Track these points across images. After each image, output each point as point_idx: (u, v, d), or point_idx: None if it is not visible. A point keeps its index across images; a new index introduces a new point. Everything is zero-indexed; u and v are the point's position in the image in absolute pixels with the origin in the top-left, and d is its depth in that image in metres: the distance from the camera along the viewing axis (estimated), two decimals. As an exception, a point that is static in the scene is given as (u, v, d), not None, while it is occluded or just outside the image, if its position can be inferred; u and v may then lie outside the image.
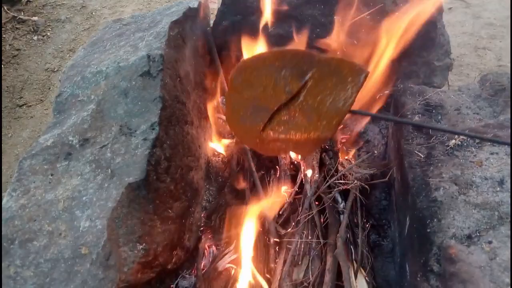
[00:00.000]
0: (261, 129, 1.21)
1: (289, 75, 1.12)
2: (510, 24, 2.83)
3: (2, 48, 3.15)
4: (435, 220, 1.18)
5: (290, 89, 1.11)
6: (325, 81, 1.09)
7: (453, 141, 1.38)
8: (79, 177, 1.28)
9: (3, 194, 2.17)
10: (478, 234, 1.12)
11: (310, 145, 1.22)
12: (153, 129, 1.32)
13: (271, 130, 1.20)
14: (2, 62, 3.08)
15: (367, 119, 1.89)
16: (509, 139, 1.35)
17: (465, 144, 1.37)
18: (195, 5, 1.79)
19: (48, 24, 3.44)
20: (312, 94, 1.11)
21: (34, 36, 3.32)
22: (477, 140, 1.37)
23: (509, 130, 1.38)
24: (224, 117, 1.94)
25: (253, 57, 1.16)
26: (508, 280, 1.01)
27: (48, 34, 3.36)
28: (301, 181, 1.65)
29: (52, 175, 1.30)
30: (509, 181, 1.21)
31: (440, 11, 1.86)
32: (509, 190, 1.18)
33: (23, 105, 2.83)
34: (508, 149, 1.32)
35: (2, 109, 2.80)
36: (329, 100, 1.10)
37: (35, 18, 3.42)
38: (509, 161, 1.27)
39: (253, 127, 1.22)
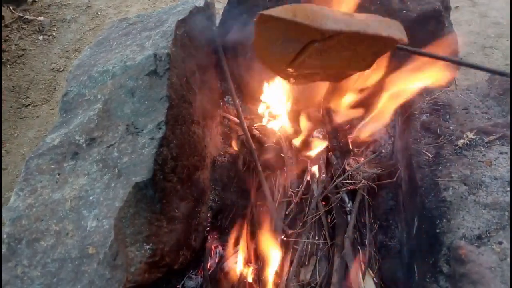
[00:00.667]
0: (290, 60, 1.20)
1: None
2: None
3: (8, 48, 3.16)
4: (445, 220, 1.17)
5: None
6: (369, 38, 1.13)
7: (462, 140, 1.37)
8: (86, 177, 1.28)
9: (9, 194, 2.18)
10: (488, 234, 1.11)
11: (341, 74, 1.30)
12: (160, 128, 1.32)
13: (301, 62, 1.20)
14: (8, 62, 3.09)
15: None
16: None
17: (474, 143, 1.36)
18: (201, 4, 1.79)
19: (54, 24, 3.45)
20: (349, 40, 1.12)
21: (40, 36, 3.32)
22: (486, 140, 1.35)
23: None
24: (230, 117, 1.93)
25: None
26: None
27: (54, 34, 3.37)
28: (308, 181, 1.64)
29: (59, 174, 1.30)
30: (520, 181, 1.20)
31: (447, 9, 1.85)
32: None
33: (29, 105, 2.84)
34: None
35: (8, 109, 2.81)
36: (365, 44, 1.14)
37: (40, 18, 3.43)
38: (519, 161, 1.26)
39: (282, 58, 1.22)
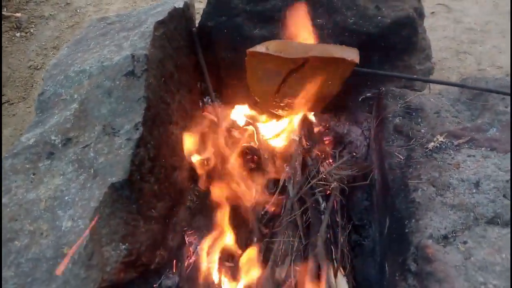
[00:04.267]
0: (276, 91, 1.60)
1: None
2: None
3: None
4: (413, 220, 1.21)
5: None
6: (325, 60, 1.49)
7: (432, 143, 1.41)
8: (61, 177, 1.28)
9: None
10: (454, 234, 1.15)
11: (319, 101, 1.68)
12: (137, 129, 1.33)
13: (284, 92, 1.60)
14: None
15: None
16: (485, 141, 1.39)
17: (444, 146, 1.41)
18: (181, 5, 1.79)
19: (32, 20, 3.39)
20: (316, 65, 1.47)
21: (17, 32, 3.27)
22: (456, 143, 1.40)
23: (486, 134, 1.42)
24: (211, 116, 1.95)
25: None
26: (481, 279, 1.04)
27: (32, 31, 3.31)
28: (284, 182, 1.67)
29: (34, 174, 1.29)
30: (484, 183, 1.25)
31: (421, 16, 1.90)
32: (485, 192, 1.22)
33: (5, 102, 2.79)
34: (485, 152, 1.36)
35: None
36: (332, 68, 1.49)
37: (18, 15, 3.37)
38: (484, 164, 1.31)
39: (269, 90, 1.62)
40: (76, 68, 1.49)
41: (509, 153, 1.32)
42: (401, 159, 1.42)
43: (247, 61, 1.54)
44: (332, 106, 1.88)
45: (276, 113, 1.87)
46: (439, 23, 3.07)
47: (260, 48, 1.48)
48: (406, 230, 1.21)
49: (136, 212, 1.32)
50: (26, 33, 3.29)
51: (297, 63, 1.49)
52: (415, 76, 1.83)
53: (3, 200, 1.24)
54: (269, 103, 1.77)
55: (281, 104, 1.76)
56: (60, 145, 1.33)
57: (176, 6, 1.75)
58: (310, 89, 1.60)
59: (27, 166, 1.30)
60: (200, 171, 1.76)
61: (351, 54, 1.47)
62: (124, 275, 1.27)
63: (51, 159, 1.31)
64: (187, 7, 1.87)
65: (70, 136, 1.34)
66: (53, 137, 1.34)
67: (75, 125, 1.36)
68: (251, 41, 1.70)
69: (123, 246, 1.25)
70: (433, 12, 3.14)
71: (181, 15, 1.79)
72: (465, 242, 1.13)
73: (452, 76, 2.63)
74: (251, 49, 1.49)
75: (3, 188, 1.26)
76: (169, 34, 1.67)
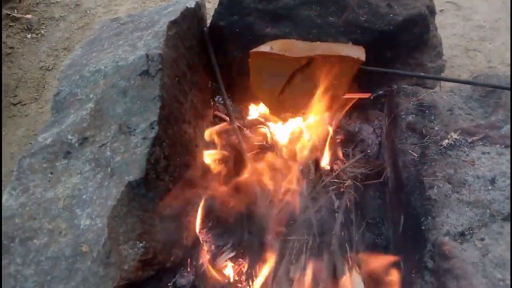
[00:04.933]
0: (279, 92, 1.56)
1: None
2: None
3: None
4: (429, 218, 1.21)
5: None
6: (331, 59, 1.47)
7: (446, 140, 1.41)
8: (78, 176, 1.29)
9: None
10: (470, 231, 1.15)
11: (324, 103, 1.60)
12: (153, 128, 1.34)
13: (288, 93, 1.56)
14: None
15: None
16: (499, 138, 1.39)
17: (458, 144, 1.41)
18: (192, 5, 1.80)
19: (42, 22, 3.42)
20: (321, 64, 1.46)
21: (28, 34, 3.30)
22: (469, 140, 1.40)
23: (500, 131, 1.42)
24: (222, 116, 1.96)
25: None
26: (499, 275, 1.04)
27: (42, 32, 3.34)
28: (298, 180, 1.67)
29: (51, 173, 1.30)
30: (500, 180, 1.24)
31: (432, 13, 1.90)
32: (500, 189, 1.22)
33: (17, 103, 2.82)
34: (499, 149, 1.36)
35: (-4, 107, 2.79)
36: (337, 68, 1.46)
37: (28, 16, 3.40)
38: (499, 161, 1.31)
39: (273, 91, 1.57)
40: (91, 68, 1.50)
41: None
42: (415, 156, 1.42)
43: (250, 62, 1.54)
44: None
45: (280, 115, 1.83)
46: (448, 20, 3.06)
47: (265, 47, 1.47)
48: (422, 228, 1.21)
49: (152, 211, 1.32)
50: (37, 34, 3.32)
51: (302, 63, 1.48)
52: (422, 74, 1.83)
53: (21, 199, 1.25)
54: (273, 105, 1.73)
55: (285, 106, 1.72)
56: (76, 144, 1.35)
57: (188, 6, 1.76)
58: (315, 90, 1.57)
59: (45, 165, 1.32)
60: (215, 169, 1.77)
61: (357, 52, 1.45)
62: (141, 273, 1.28)
63: (68, 158, 1.33)
64: (199, 7, 1.88)
65: (87, 136, 1.36)
66: (69, 137, 1.36)
67: (91, 125, 1.37)
68: (262, 40, 1.70)
69: (140, 244, 1.26)
70: (442, 10, 3.12)
71: (193, 15, 1.80)
72: (482, 239, 1.13)
73: (463, 74, 2.62)
74: (254, 49, 1.49)
75: (21, 187, 1.28)
76: (182, 34, 1.68)
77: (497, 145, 1.37)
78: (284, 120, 1.90)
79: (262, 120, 1.93)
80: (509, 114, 1.46)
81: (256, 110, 1.98)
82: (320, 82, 1.53)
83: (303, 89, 1.58)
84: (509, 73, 2.45)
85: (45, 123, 1.45)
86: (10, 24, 3.32)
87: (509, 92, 1.53)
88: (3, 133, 2.64)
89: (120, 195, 1.23)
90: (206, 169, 1.79)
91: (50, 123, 1.44)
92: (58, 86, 1.52)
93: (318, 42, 1.62)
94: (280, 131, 1.91)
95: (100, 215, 1.20)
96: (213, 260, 1.57)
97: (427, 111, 1.56)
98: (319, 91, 1.57)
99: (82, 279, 1.12)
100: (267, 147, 1.86)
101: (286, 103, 1.69)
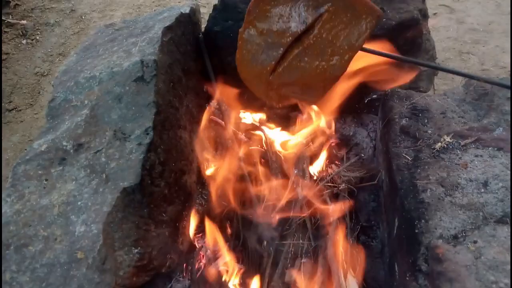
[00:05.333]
0: (271, 70, 1.29)
1: (305, 5, 1.19)
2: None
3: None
4: (423, 221, 1.22)
5: (305, 19, 1.18)
6: (341, 15, 1.17)
7: (439, 144, 1.42)
8: (73, 182, 1.29)
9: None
10: (463, 234, 1.16)
11: (320, 87, 1.30)
12: (148, 134, 1.34)
13: (281, 71, 1.28)
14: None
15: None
16: (492, 141, 1.40)
17: (451, 147, 1.42)
18: (187, 11, 1.81)
19: (37, 27, 3.42)
20: (327, 28, 1.18)
21: (23, 40, 3.30)
22: (462, 143, 1.42)
23: (492, 133, 1.43)
24: (218, 120, 1.96)
25: None
26: (493, 278, 1.05)
27: (37, 38, 3.35)
28: (293, 184, 1.68)
29: (46, 180, 1.31)
30: (492, 182, 1.26)
31: (425, 17, 1.92)
32: (493, 192, 1.23)
33: (12, 109, 2.81)
34: (492, 152, 1.37)
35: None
36: (343, 34, 1.18)
37: (23, 22, 3.40)
38: (492, 163, 1.32)
39: (263, 69, 1.30)
40: (86, 74, 1.51)
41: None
42: (408, 160, 1.43)
43: (246, 15, 1.28)
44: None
45: (270, 102, 1.51)
46: (441, 23, 3.09)
47: None
48: (416, 231, 1.22)
49: (147, 216, 1.33)
50: (32, 40, 3.32)
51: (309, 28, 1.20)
52: (433, 64, 1.80)
53: (16, 206, 1.25)
54: (262, 87, 1.40)
55: (275, 89, 1.38)
56: (71, 150, 1.35)
57: (183, 12, 1.77)
58: (313, 74, 1.26)
59: (40, 172, 1.32)
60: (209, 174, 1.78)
61: (374, 6, 1.17)
62: (136, 279, 1.28)
63: (63, 164, 1.33)
64: (194, 12, 1.89)
65: (82, 142, 1.36)
66: (64, 143, 1.36)
67: (86, 131, 1.38)
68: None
69: (136, 250, 1.27)
70: (435, 13, 3.15)
71: (188, 21, 1.81)
72: (475, 242, 1.14)
73: (456, 77, 2.64)
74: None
75: (16, 194, 1.28)
76: (177, 39, 1.68)
77: (490, 148, 1.38)
78: (272, 107, 1.78)
79: (258, 124, 1.94)
80: (501, 117, 1.47)
81: (251, 115, 1.99)
82: (320, 53, 1.21)
83: (300, 68, 1.26)
84: (503, 75, 2.48)
85: (40, 129, 1.45)
86: (5, 29, 3.32)
87: (502, 95, 1.54)
88: (-3, 139, 2.64)
89: (115, 201, 1.23)
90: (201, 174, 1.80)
91: (45, 129, 1.44)
92: (53, 92, 1.53)
93: None
94: (276, 135, 1.92)
95: (95, 222, 1.20)
96: (209, 265, 1.57)
97: (420, 115, 1.57)
98: (317, 70, 1.24)
99: (77, 286, 1.12)
100: (262, 151, 1.87)
101: (277, 86, 1.35)
